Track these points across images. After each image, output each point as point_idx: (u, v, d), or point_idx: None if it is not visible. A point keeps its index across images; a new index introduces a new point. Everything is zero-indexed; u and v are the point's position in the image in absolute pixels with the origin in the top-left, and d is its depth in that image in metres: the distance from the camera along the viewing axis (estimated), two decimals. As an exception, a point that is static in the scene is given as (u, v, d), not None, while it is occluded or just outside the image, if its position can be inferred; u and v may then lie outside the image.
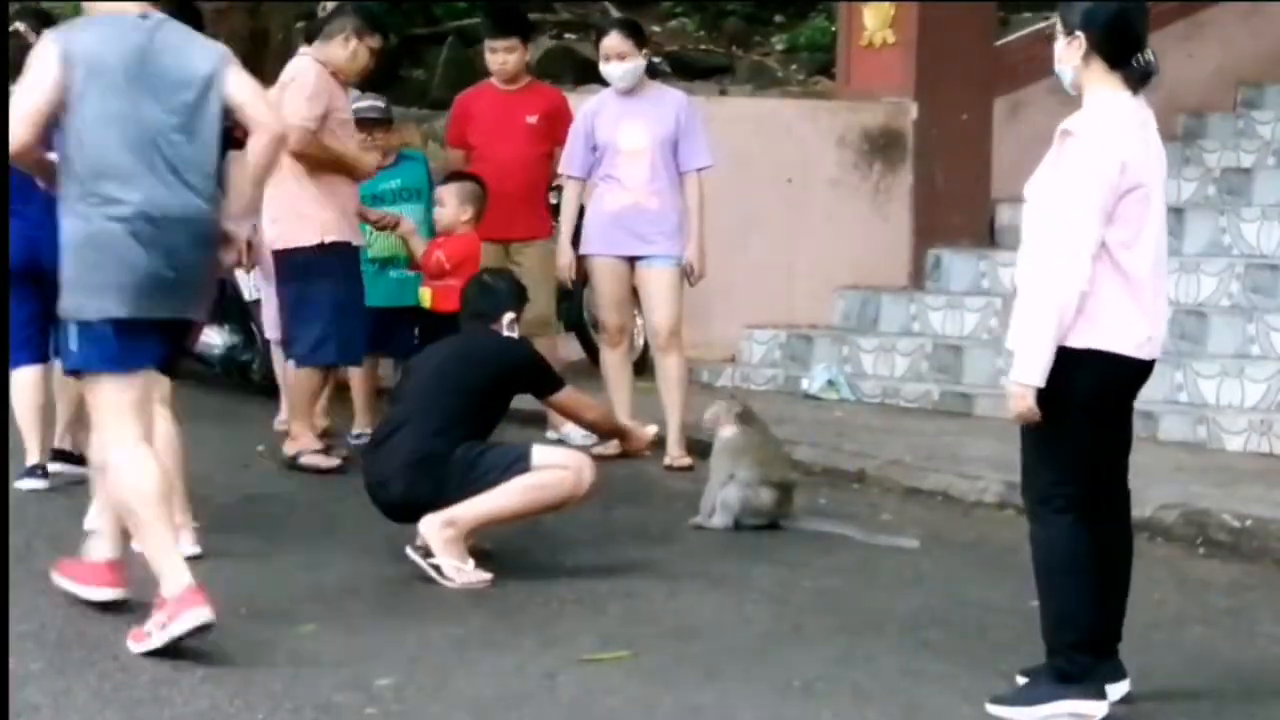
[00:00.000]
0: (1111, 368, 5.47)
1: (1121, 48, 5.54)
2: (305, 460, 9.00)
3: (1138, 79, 5.56)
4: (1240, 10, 13.65)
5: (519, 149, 9.84)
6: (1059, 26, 5.60)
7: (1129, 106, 5.53)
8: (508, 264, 9.52)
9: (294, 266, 9.00)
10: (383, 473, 7.12)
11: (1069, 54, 5.56)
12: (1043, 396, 5.42)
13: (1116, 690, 5.64)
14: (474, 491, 6.95)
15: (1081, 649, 5.50)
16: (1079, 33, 5.53)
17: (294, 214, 8.87)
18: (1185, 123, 13.22)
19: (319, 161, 8.88)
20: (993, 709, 5.55)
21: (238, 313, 11.13)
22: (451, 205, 9.60)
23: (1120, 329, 5.46)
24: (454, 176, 9.92)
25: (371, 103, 9.95)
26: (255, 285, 10.34)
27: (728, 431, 8.14)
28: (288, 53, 9.44)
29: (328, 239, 8.93)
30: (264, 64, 12.19)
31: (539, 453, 7.11)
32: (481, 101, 10.12)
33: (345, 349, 9.15)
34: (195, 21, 7.61)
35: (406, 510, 7.05)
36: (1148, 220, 5.53)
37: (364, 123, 9.68)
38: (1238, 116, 13.35)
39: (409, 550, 6.96)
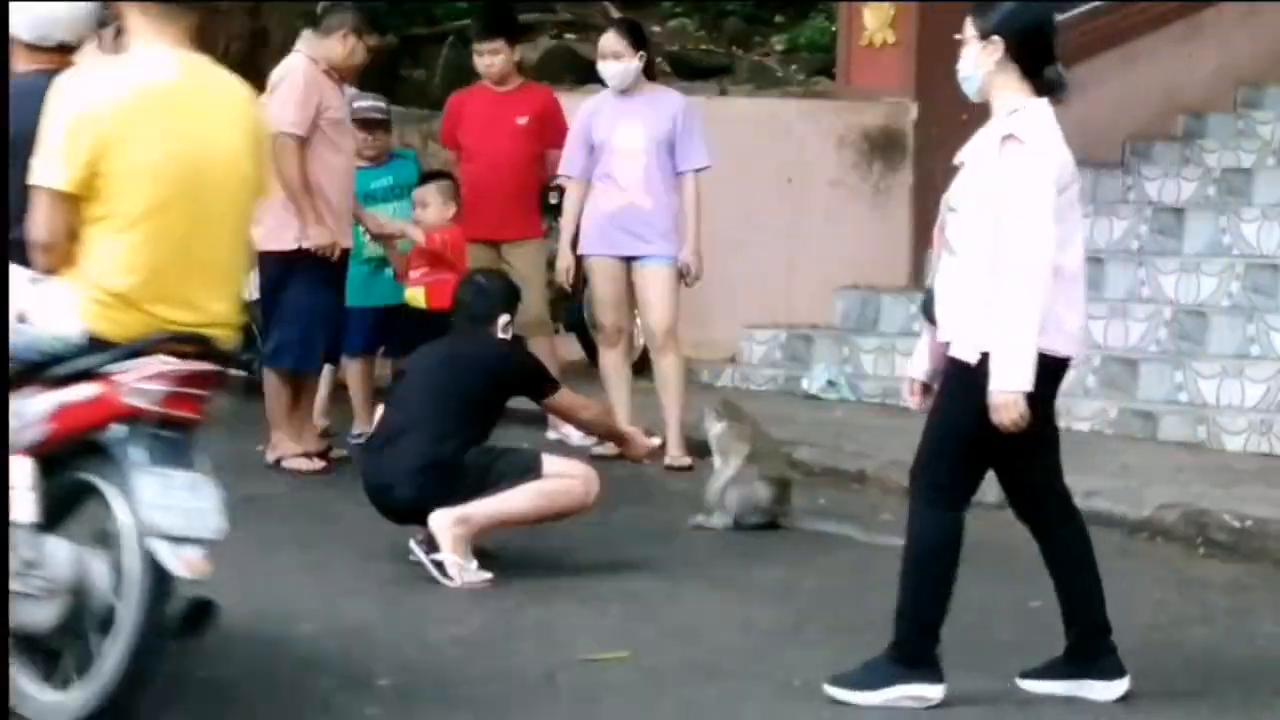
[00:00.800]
0: (1045, 367, 5.49)
1: (1037, 56, 5.58)
2: (287, 464, 8.97)
3: (1048, 89, 5.58)
4: (1239, 11, 13.62)
5: (509, 150, 9.82)
6: (970, 30, 5.59)
7: (1051, 111, 5.57)
8: (499, 265, 9.51)
9: (270, 268, 8.98)
10: (386, 477, 7.11)
11: (983, 59, 5.56)
12: (975, 396, 5.44)
13: (1116, 689, 5.65)
14: (486, 495, 6.96)
15: (929, 634, 5.55)
16: (995, 37, 5.54)
17: (275, 216, 8.84)
18: (1185, 123, 13.20)
19: (278, 173, 8.60)
20: (833, 690, 5.55)
21: (238, 313, 11.12)
22: (435, 204, 9.63)
23: (1055, 327, 5.51)
24: (430, 176, 9.94)
25: (373, 103, 9.95)
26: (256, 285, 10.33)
27: (716, 428, 8.16)
28: (287, 53, 9.42)
29: (305, 244, 8.89)
30: (264, 64, 12.17)
31: (549, 462, 7.17)
32: (472, 103, 10.11)
33: (304, 357, 9.04)
34: None
35: (411, 514, 7.05)
36: (1077, 218, 5.62)
37: (364, 123, 9.68)
38: (1238, 116, 13.34)
39: (413, 544, 6.99)
